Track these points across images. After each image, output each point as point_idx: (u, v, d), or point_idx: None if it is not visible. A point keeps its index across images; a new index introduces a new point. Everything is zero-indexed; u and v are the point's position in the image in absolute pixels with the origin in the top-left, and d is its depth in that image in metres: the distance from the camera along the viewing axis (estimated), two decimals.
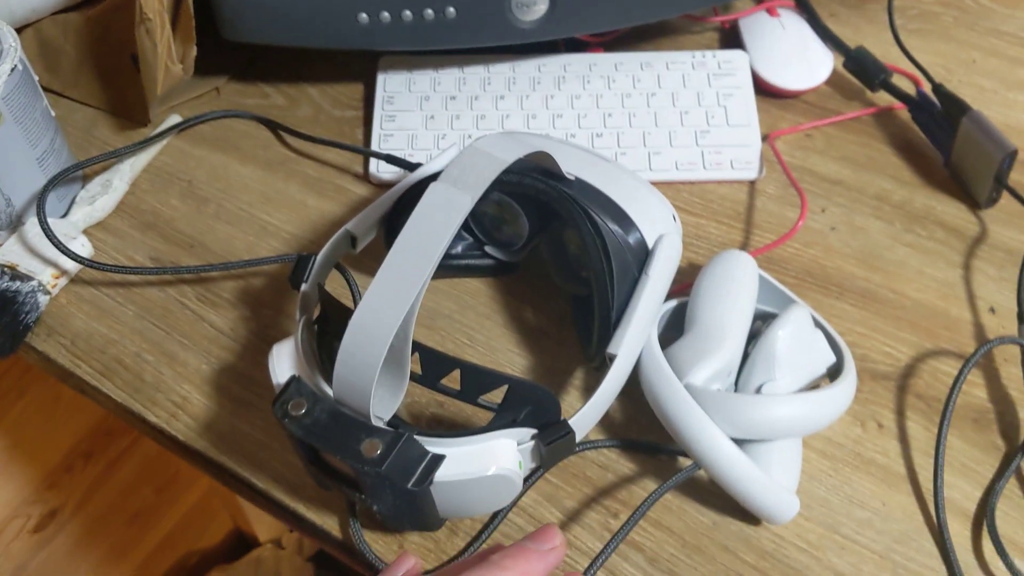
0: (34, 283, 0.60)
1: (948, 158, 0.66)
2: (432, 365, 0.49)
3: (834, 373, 0.53)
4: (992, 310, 0.59)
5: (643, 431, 0.54)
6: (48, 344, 0.60)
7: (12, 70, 0.58)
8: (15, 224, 0.64)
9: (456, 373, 0.49)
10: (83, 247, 0.63)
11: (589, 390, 0.56)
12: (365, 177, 0.68)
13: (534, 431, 0.46)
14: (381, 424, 0.45)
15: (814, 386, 0.53)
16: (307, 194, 0.67)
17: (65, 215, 0.65)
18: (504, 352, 0.58)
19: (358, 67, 0.75)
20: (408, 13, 0.65)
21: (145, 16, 0.61)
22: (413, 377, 0.49)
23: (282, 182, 0.68)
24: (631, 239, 0.53)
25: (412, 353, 0.45)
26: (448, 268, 0.61)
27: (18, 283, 0.60)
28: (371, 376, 0.42)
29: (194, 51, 0.65)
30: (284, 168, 0.69)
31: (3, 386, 0.94)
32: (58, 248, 0.59)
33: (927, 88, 0.68)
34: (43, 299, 0.60)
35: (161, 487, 1.18)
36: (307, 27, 0.65)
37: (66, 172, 0.63)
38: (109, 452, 1.08)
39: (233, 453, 0.54)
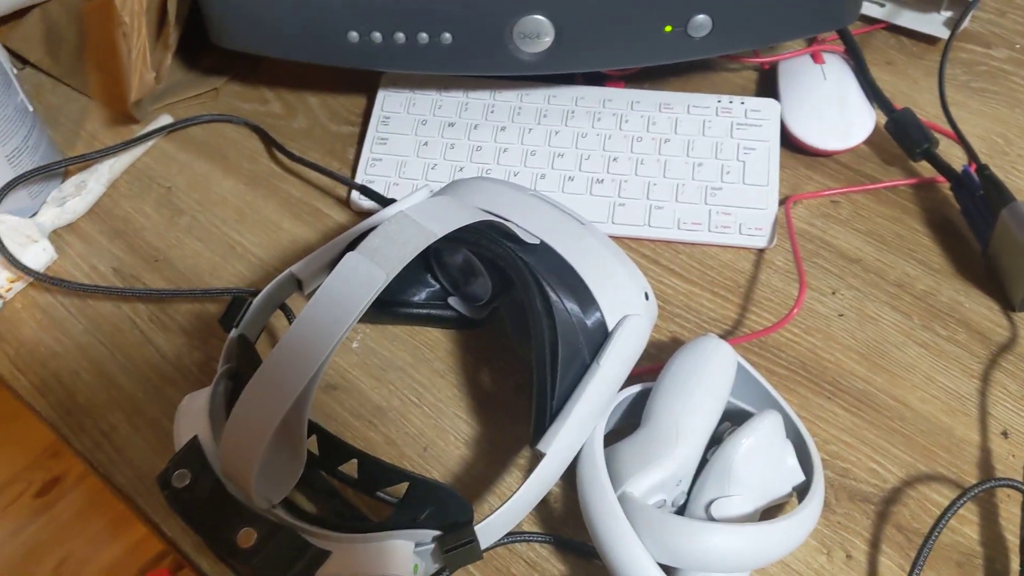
0: None
1: (986, 248, 0.58)
2: (329, 449, 0.45)
3: (802, 492, 0.47)
4: (1005, 434, 0.52)
5: (581, 529, 0.49)
6: None
7: None
8: None
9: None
10: (44, 252, 0.60)
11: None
12: (347, 203, 0.65)
13: (436, 532, 0.42)
14: (266, 508, 0.41)
15: (775, 507, 0.48)
16: (284, 216, 0.64)
17: (35, 214, 0.63)
18: (451, 417, 0.54)
19: (362, 79, 0.71)
20: (401, 35, 0.60)
21: (121, 19, 0.58)
22: (310, 459, 0.45)
23: (261, 200, 0.65)
24: (589, 319, 0.48)
25: (309, 435, 0.41)
26: (408, 316, 0.57)
27: None
28: (255, 458, 0.38)
29: (168, 60, 0.61)
30: (266, 184, 0.66)
31: None
32: (6, 258, 0.57)
33: (973, 165, 0.60)
34: None
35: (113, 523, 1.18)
36: (295, 41, 0.62)
37: (27, 175, 0.60)
38: None
39: (148, 494, 0.52)
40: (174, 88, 0.69)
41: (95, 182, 0.64)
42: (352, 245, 0.52)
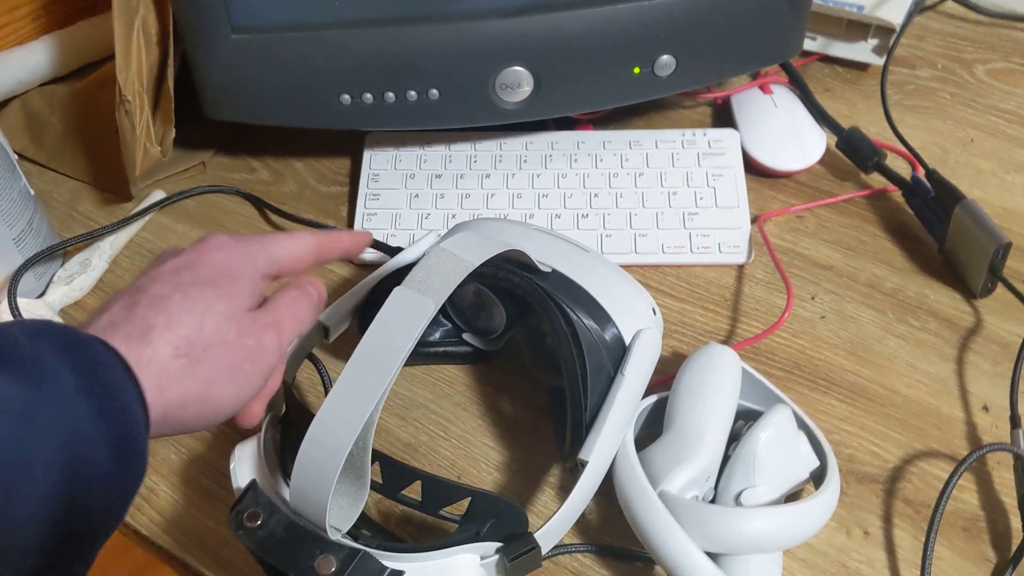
0: None
1: (942, 244, 0.64)
2: (392, 475, 0.47)
3: (818, 477, 0.51)
4: (985, 408, 0.57)
5: (619, 535, 0.52)
6: None
7: None
8: None
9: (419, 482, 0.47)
10: None
11: (564, 489, 0.54)
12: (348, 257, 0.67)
13: (499, 544, 0.44)
14: (339, 536, 0.43)
15: (796, 492, 0.51)
16: None
17: (43, 294, 0.64)
18: (479, 446, 0.57)
19: (346, 142, 0.75)
20: (391, 95, 0.64)
21: (124, 98, 0.60)
22: (373, 487, 0.47)
23: None
24: (607, 335, 0.52)
25: (372, 463, 0.44)
26: (425, 355, 0.60)
27: None
28: (327, 490, 0.41)
29: (172, 133, 0.64)
30: None
31: None
32: None
33: (921, 172, 0.67)
34: None
35: (135, 572, 1.16)
36: (289, 107, 0.65)
37: (38, 256, 0.62)
38: None
39: (196, 550, 0.53)
40: (163, 165, 0.71)
41: (98, 259, 0.66)
42: (376, 290, 0.55)
